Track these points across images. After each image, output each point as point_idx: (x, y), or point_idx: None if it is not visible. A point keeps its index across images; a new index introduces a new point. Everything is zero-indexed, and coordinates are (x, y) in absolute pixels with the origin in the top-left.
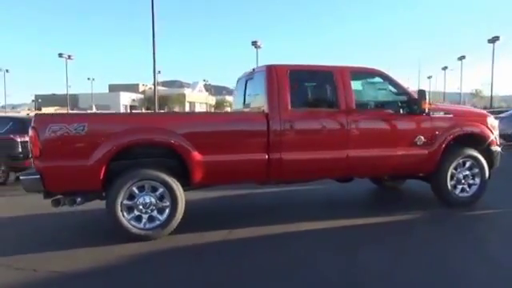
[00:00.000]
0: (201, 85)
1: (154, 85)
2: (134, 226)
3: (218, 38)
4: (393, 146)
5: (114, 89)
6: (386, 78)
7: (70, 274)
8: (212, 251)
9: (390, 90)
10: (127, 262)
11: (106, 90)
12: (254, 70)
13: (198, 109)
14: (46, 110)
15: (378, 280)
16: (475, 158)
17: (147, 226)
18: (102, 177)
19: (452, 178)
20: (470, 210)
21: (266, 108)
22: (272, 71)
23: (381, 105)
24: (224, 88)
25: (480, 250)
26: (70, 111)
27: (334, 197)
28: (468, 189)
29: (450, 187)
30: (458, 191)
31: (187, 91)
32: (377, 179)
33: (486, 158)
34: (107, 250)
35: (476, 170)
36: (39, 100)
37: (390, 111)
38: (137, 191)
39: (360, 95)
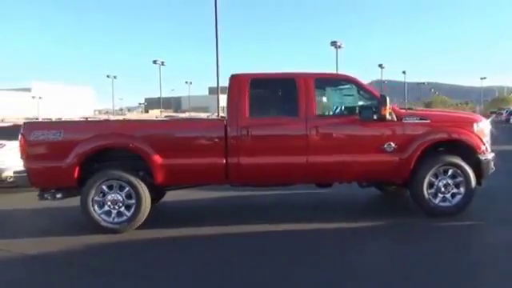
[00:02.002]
0: None
1: (217, 88)
2: (103, 220)
3: (310, 40)
4: (357, 152)
5: (214, 91)
6: (357, 85)
7: (35, 255)
8: (166, 246)
9: (361, 97)
10: (87, 251)
11: (207, 93)
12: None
13: None
14: (151, 112)
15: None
16: (458, 166)
17: (116, 220)
18: (76, 176)
19: (431, 186)
20: (445, 221)
21: (226, 115)
22: (233, 80)
23: (347, 111)
24: None
25: (403, 266)
26: (171, 114)
27: (306, 201)
28: (451, 198)
29: (427, 195)
30: (437, 200)
31: None
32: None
33: (472, 166)
34: (77, 240)
35: (460, 179)
36: (145, 103)
37: (356, 118)
38: (106, 189)
39: (325, 102)
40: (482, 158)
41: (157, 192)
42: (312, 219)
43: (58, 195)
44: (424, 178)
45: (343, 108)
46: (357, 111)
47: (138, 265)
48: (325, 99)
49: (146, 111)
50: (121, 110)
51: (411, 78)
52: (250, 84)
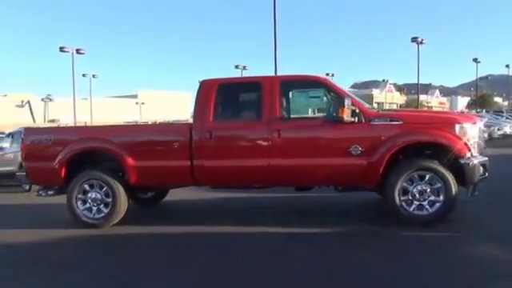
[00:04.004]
0: (389, 85)
1: None
2: (84, 215)
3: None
4: (321, 156)
5: None
6: (326, 86)
7: (12, 244)
8: (135, 244)
9: (331, 98)
10: (62, 242)
11: None
12: None
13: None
14: None
15: None
16: (435, 171)
17: (96, 216)
18: (63, 175)
19: (405, 192)
20: (419, 231)
21: (192, 120)
22: (201, 86)
23: (313, 113)
24: (413, 86)
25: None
26: None
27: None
28: (428, 206)
29: (398, 202)
30: (412, 208)
31: (375, 92)
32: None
33: (453, 172)
34: (56, 233)
35: (438, 185)
36: None
37: (321, 120)
38: (88, 188)
39: (291, 104)
40: (465, 162)
41: (159, 192)
42: (289, 223)
43: (50, 192)
44: (395, 183)
45: (309, 110)
46: (326, 113)
47: (92, 260)
48: (291, 102)
49: None
50: None
51: None
52: (217, 89)
